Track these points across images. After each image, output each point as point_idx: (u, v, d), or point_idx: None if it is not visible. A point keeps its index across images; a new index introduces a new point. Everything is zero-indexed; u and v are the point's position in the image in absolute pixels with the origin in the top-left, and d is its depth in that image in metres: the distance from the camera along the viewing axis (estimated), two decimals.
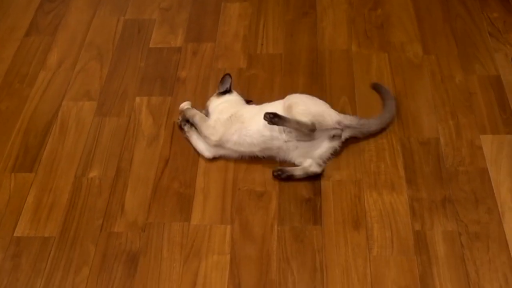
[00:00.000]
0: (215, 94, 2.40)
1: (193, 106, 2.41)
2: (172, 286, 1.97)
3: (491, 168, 2.20)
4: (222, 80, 2.40)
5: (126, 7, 2.95)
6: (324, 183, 2.20)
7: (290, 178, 2.20)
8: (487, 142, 2.28)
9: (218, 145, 2.26)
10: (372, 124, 2.31)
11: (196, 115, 2.31)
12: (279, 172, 2.20)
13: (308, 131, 2.17)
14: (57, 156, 2.34)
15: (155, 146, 2.35)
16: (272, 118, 2.15)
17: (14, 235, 2.11)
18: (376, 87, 2.47)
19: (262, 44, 2.73)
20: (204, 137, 2.28)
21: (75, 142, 2.38)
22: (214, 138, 2.25)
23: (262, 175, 2.24)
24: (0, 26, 2.90)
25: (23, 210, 2.17)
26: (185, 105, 2.39)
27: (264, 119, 2.16)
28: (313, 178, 2.20)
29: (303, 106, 2.21)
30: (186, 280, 1.97)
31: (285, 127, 2.19)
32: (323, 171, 2.20)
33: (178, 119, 2.38)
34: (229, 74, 2.40)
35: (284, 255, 2.02)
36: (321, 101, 2.31)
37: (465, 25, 2.75)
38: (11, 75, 2.66)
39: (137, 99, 2.52)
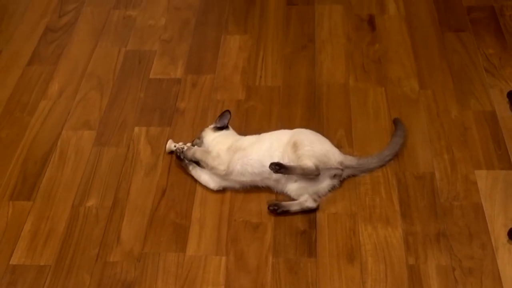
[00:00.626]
0: (211, 126, 2.42)
1: (187, 138, 2.44)
2: None
3: (485, 204, 2.22)
4: (222, 116, 2.41)
5: (127, 38, 3.00)
6: (320, 216, 2.21)
7: (286, 213, 2.21)
8: (482, 177, 2.30)
9: (226, 174, 2.27)
10: (371, 162, 2.33)
11: (196, 151, 2.33)
12: (275, 207, 2.21)
13: (313, 176, 2.20)
14: (55, 184, 2.36)
15: (152, 176, 2.37)
16: (278, 169, 2.18)
17: (10, 263, 2.11)
18: (395, 122, 2.48)
19: (261, 77, 2.77)
20: (212, 169, 2.28)
21: (73, 171, 2.40)
22: (222, 167, 2.27)
23: (258, 206, 2.25)
24: (3, 55, 2.94)
25: (19, 238, 2.18)
26: (170, 144, 2.42)
27: (270, 168, 2.19)
28: (309, 211, 2.22)
29: (308, 147, 2.23)
30: None
31: (284, 162, 2.21)
32: (318, 206, 2.22)
33: (175, 146, 2.40)
34: (229, 111, 2.42)
35: (278, 287, 2.02)
36: (324, 138, 2.34)
37: (461, 60, 2.79)
38: (12, 103, 2.70)
39: (136, 129, 2.55)
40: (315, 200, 2.22)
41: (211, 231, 2.19)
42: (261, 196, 2.28)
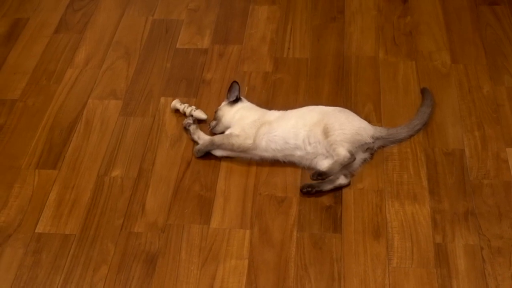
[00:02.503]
0: (225, 103, 2.39)
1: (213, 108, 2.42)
2: None
3: None
4: (230, 89, 2.38)
5: (155, 7, 2.96)
6: (346, 191, 2.18)
7: (319, 192, 2.18)
8: None
9: (252, 148, 2.25)
10: (401, 132, 2.30)
11: (214, 139, 2.28)
12: (309, 189, 2.17)
13: (350, 162, 2.17)
14: (80, 154, 2.36)
15: (178, 147, 2.36)
16: (321, 178, 2.14)
17: (36, 231, 2.12)
18: (423, 92, 2.44)
19: (289, 48, 2.72)
20: (238, 148, 2.25)
21: (99, 140, 2.40)
22: (249, 141, 2.25)
23: (284, 181, 2.23)
24: (31, 23, 2.93)
25: (45, 207, 2.19)
26: (175, 103, 2.42)
27: (312, 179, 2.14)
28: (340, 187, 2.18)
29: (339, 130, 2.18)
30: (203, 283, 1.97)
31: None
32: (349, 182, 2.19)
33: (184, 122, 2.39)
34: (236, 82, 2.39)
35: (302, 262, 2.01)
36: (353, 114, 2.29)
37: (495, 34, 2.72)
38: (39, 72, 2.69)
39: (162, 99, 2.53)
40: (346, 176, 2.18)
41: (236, 204, 2.17)
42: (286, 170, 2.25)
